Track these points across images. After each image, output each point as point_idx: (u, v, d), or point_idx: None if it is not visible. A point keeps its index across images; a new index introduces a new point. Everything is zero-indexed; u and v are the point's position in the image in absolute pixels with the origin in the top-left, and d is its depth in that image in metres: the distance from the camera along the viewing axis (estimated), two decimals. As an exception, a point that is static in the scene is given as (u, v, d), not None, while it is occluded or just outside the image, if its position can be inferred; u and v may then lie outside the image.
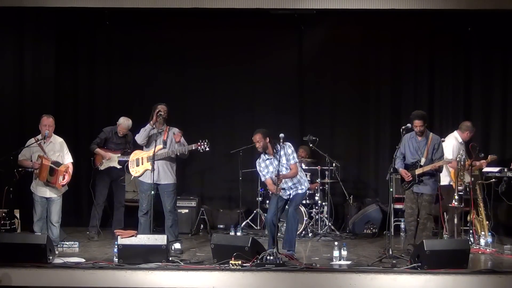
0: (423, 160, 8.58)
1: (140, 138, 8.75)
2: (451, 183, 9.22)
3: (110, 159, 9.88)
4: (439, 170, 8.69)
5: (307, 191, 8.95)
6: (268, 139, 8.27)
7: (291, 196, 8.43)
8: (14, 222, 9.58)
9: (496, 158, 9.69)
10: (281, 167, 8.19)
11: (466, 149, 9.36)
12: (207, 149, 8.68)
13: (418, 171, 8.54)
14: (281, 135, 8.12)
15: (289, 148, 8.32)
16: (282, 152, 8.21)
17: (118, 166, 9.91)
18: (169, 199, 8.76)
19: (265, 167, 8.39)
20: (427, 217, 8.59)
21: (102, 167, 9.87)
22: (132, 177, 9.00)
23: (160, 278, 7.25)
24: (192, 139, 8.88)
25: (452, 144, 9.29)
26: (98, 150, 9.84)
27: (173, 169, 8.81)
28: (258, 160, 8.47)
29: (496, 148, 10.90)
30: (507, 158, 10.80)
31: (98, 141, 9.92)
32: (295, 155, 8.39)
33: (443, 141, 9.05)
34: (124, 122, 9.89)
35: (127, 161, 9.64)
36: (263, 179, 8.56)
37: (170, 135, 8.78)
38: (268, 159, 8.35)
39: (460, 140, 9.44)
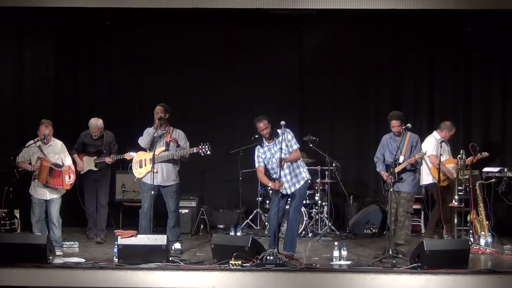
0: (401, 158, 8.52)
1: (144, 142, 8.72)
2: (434, 181, 9.22)
3: (88, 163, 9.78)
4: (417, 166, 8.61)
5: (308, 185, 8.74)
6: (271, 125, 8.24)
7: (290, 192, 8.32)
8: (14, 222, 9.60)
9: (487, 155, 9.62)
10: (279, 152, 8.15)
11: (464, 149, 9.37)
12: (208, 152, 8.62)
13: (397, 168, 8.47)
14: (282, 122, 8.17)
15: (288, 134, 8.28)
16: (281, 139, 8.20)
17: (95, 169, 9.75)
18: (173, 200, 8.76)
19: (263, 153, 8.33)
20: (404, 214, 8.50)
21: (82, 172, 9.75)
22: (136, 178, 8.96)
23: (160, 278, 7.24)
24: (192, 139, 8.88)
25: (431, 141, 9.37)
26: (75, 156, 9.63)
27: (176, 171, 8.80)
28: (257, 147, 8.43)
29: (496, 148, 10.89)
30: (508, 158, 10.81)
31: (76, 146, 9.76)
32: (295, 140, 8.36)
33: (442, 141, 9.09)
34: (93, 123, 9.70)
35: (103, 161, 9.63)
36: (256, 165, 8.43)
37: (173, 136, 8.74)
38: (267, 145, 8.32)
39: (439, 137, 9.44)
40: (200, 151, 8.61)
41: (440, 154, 8.99)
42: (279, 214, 8.20)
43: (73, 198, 9.92)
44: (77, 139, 9.88)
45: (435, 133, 9.60)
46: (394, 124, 8.57)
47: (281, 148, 8.13)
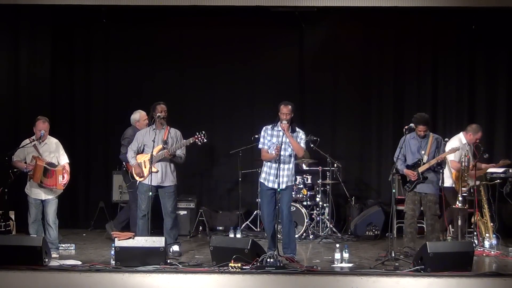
0: (425, 158, 8.56)
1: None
2: (453, 185, 9.09)
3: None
4: (443, 165, 8.58)
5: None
6: (292, 115, 8.21)
7: (277, 186, 8.09)
8: (9, 224, 9.51)
9: (508, 162, 9.48)
10: (286, 145, 8.12)
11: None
12: (205, 140, 8.59)
13: (421, 168, 8.46)
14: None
15: (303, 134, 8.30)
16: (294, 134, 8.20)
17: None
18: (170, 201, 8.68)
19: (270, 136, 8.25)
20: (433, 217, 8.52)
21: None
22: (138, 182, 8.82)
23: (158, 281, 7.16)
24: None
25: (455, 145, 9.14)
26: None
27: (175, 171, 8.74)
28: (267, 126, 8.36)
29: (501, 148, 10.83)
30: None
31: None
32: (305, 142, 8.38)
33: (447, 141, 8.95)
34: (139, 114, 9.54)
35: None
36: (259, 146, 8.35)
37: (172, 134, 8.70)
38: (278, 131, 8.22)
39: (464, 141, 9.27)
40: (197, 140, 8.58)
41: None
42: (272, 214, 8.13)
43: (69, 199, 9.83)
44: (124, 139, 9.44)
45: (461, 135, 9.37)
46: (421, 129, 8.59)
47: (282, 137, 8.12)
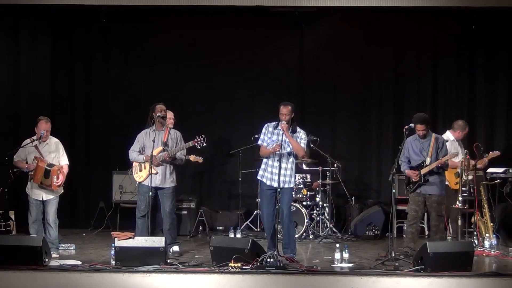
0: (428, 160, 8.51)
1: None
2: (446, 183, 9.10)
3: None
4: (445, 168, 8.56)
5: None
6: (293, 115, 8.19)
7: (277, 185, 8.08)
8: (9, 224, 9.50)
9: (498, 154, 9.49)
10: (285, 144, 8.09)
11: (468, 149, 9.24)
12: (205, 144, 8.59)
13: (424, 170, 8.44)
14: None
15: (303, 134, 8.26)
16: (295, 134, 8.17)
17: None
18: (168, 201, 8.68)
19: (271, 133, 8.23)
20: (438, 218, 8.48)
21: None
22: (137, 183, 8.83)
23: (158, 281, 7.15)
24: (190, 140, 8.77)
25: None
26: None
27: (174, 172, 8.74)
28: (269, 123, 8.34)
29: (501, 148, 10.74)
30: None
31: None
32: (305, 142, 8.31)
33: (446, 141, 8.95)
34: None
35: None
36: (259, 142, 8.34)
37: (172, 136, 8.70)
38: (279, 130, 8.20)
39: (452, 138, 9.36)
40: (196, 143, 8.59)
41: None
42: (272, 214, 8.11)
43: (69, 199, 9.79)
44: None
45: (448, 133, 9.45)
46: (419, 128, 8.53)
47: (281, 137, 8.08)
